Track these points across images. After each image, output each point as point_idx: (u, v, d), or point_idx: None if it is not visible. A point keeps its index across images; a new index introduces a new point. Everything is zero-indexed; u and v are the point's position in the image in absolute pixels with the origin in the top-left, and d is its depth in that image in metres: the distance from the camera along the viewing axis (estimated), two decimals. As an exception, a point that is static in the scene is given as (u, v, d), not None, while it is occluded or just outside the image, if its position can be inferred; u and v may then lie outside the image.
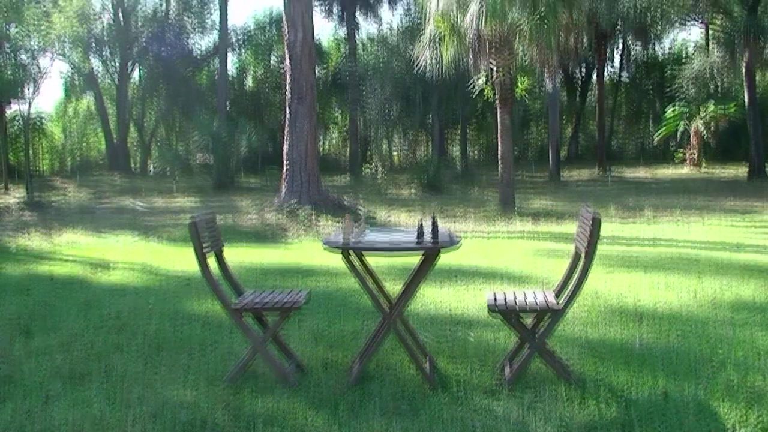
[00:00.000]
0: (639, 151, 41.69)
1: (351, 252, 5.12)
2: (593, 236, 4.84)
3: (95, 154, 42.83)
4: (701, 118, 31.67)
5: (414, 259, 5.48)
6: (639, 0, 28.54)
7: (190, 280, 9.30)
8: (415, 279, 5.33)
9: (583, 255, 5.02)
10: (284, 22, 19.61)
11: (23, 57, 27.74)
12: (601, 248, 5.18)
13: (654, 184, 26.96)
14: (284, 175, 19.20)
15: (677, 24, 34.53)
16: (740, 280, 8.75)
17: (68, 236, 15.40)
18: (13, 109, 31.44)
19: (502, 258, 11.23)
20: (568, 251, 6.66)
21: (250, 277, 9.47)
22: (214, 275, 5.28)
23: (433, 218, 5.05)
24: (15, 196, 25.60)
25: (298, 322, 6.79)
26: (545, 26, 16.85)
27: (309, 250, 12.84)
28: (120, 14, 37.98)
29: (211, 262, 5.36)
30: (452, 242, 5.04)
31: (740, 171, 28.52)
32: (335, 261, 5.58)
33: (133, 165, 39.44)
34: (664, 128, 33.72)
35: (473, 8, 16.68)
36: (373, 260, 5.77)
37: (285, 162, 19.19)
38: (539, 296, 5.31)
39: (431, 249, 5.01)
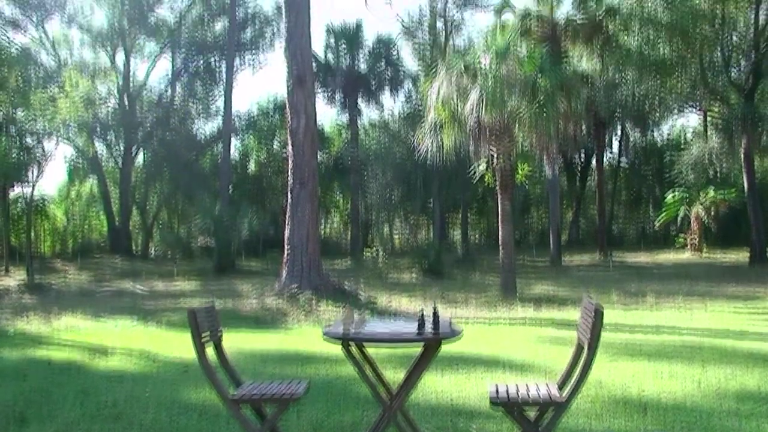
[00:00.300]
0: (640, 235, 41.79)
1: (351, 342, 5.09)
2: (596, 328, 4.81)
3: (97, 237, 42.93)
4: (701, 204, 31.88)
5: (415, 347, 5.43)
6: (637, 88, 29.05)
7: (188, 368, 9.19)
8: (416, 370, 5.28)
9: (585, 347, 4.97)
10: (287, 108, 19.93)
11: (28, 140, 28.07)
12: (604, 336, 5.14)
13: (656, 269, 26.90)
14: (285, 260, 19.20)
15: (675, 111, 35.12)
16: (745, 369, 8.65)
17: (67, 320, 15.30)
18: (16, 191, 31.66)
19: (504, 345, 11.13)
20: (570, 339, 6.60)
21: (249, 364, 9.37)
22: (213, 364, 5.22)
23: (434, 309, 5.03)
24: (15, 278, 25.58)
25: (297, 412, 6.68)
26: (544, 114, 17.09)
27: (309, 336, 12.73)
28: (125, 99, 38.67)
29: (210, 351, 5.32)
30: (453, 333, 5.01)
31: (741, 256, 28.51)
32: (335, 348, 5.53)
33: (134, 248, 39.49)
34: (665, 213, 33.91)
35: (473, 97, 16.94)
36: (374, 348, 5.72)
37: (286, 246, 19.22)
38: (542, 388, 5.24)
39: (432, 340, 4.98)
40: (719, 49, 27.29)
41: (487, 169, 19.28)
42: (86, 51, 39.22)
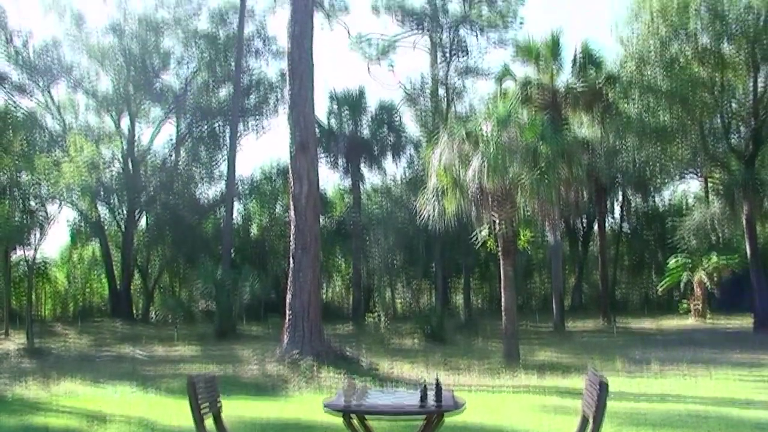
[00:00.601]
0: (643, 301, 41.63)
1: (353, 414, 5.03)
2: (601, 400, 4.75)
3: (98, 300, 42.81)
4: (704, 269, 31.83)
5: (418, 418, 5.35)
6: (637, 154, 29.22)
7: (188, 437, 9.07)
8: (418, 443, 5.21)
9: (590, 420, 4.91)
10: (290, 174, 20.03)
11: (32, 203, 28.12)
12: (609, 404, 5.06)
13: (659, 335, 26.70)
14: (286, 325, 19.08)
15: (676, 177, 35.25)
16: (752, 441, 8.53)
17: (66, 385, 15.16)
18: (18, 254, 31.60)
19: (507, 414, 10.99)
20: (574, 408, 6.51)
21: (249, 433, 9.25)
22: (213, 436, 5.15)
23: (437, 381, 4.98)
24: (15, 342, 25.40)
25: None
26: (546, 181, 17.17)
27: (310, 403, 12.58)
28: (129, 163, 38.94)
29: (210, 421, 5.25)
30: (456, 406, 4.96)
31: (745, 322, 28.30)
32: (336, 416, 5.46)
33: (135, 311, 39.31)
34: (668, 279, 33.85)
35: (475, 163, 17.04)
36: (376, 419, 5.64)
37: (287, 312, 19.12)
38: (546, 462, 5.16)
39: (435, 413, 4.92)
40: (719, 116, 27.48)
41: (489, 234, 19.31)
42: (91, 116, 39.75)
